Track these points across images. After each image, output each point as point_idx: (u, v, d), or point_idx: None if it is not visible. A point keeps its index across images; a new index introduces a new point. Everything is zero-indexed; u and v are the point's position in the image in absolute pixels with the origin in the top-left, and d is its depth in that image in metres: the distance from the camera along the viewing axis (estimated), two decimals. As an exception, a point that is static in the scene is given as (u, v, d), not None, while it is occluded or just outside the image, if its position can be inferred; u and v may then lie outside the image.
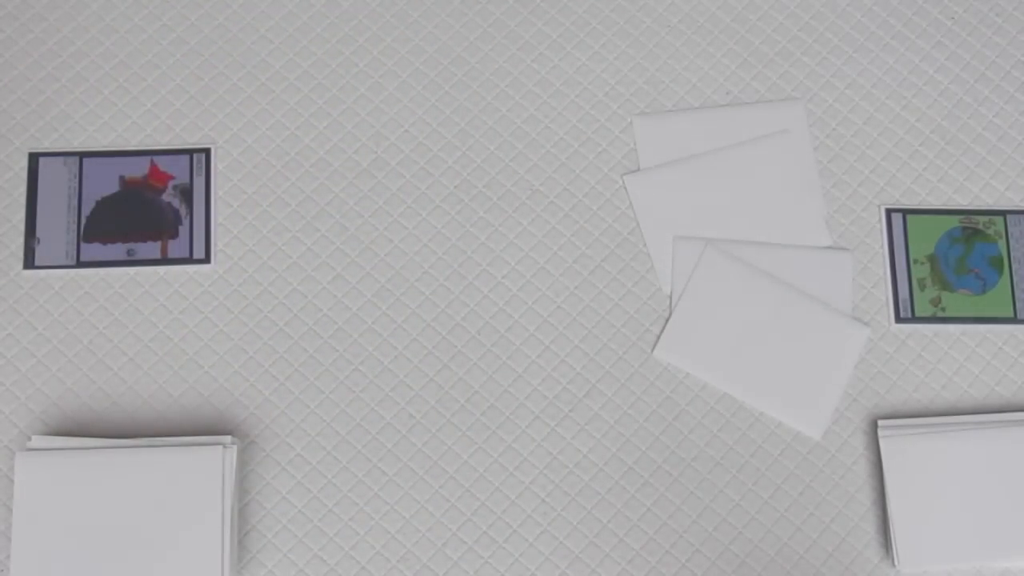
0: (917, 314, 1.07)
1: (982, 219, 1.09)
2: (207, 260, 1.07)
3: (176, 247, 1.07)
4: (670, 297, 1.07)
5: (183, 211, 1.07)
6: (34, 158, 1.08)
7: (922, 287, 1.08)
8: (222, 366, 1.04)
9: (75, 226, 1.07)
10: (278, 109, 1.11)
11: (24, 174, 1.08)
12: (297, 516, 1.01)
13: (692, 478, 1.03)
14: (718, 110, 1.12)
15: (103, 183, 1.08)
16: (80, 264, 1.06)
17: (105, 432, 1.02)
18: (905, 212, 1.10)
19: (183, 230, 1.07)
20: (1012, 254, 1.09)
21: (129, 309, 1.05)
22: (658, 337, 1.06)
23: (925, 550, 0.99)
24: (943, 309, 1.07)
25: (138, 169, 1.08)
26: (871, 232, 1.09)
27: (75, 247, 1.06)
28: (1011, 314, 1.07)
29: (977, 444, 1.02)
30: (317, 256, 1.07)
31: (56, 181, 1.08)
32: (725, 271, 1.07)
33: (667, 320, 1.06)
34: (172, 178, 1.08)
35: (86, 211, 1.07)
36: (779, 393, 1.04)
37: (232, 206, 1.08)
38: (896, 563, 0.99)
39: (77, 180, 1.08)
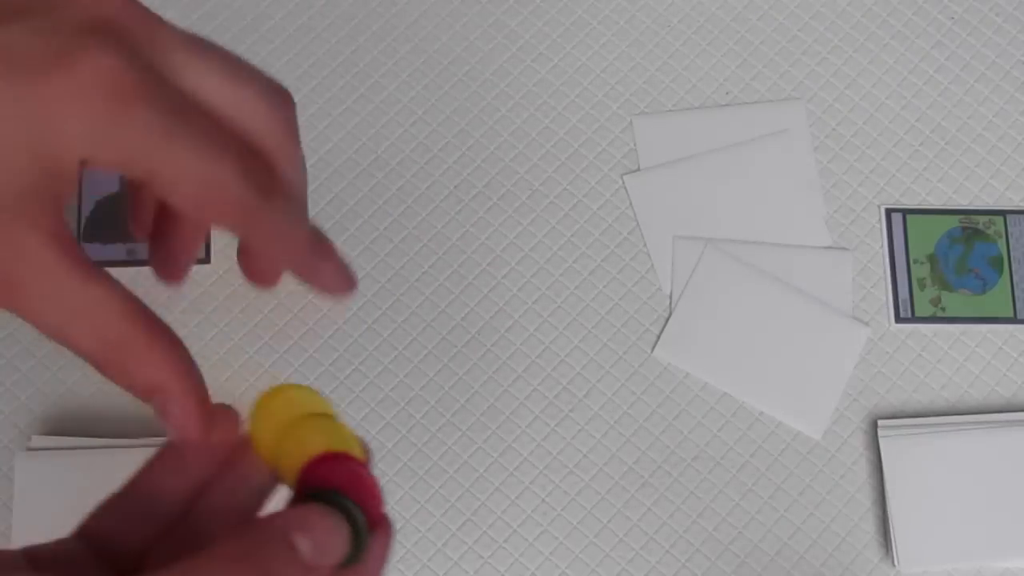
0: (917, 314, 1.07)
1: (982, 219, 1.09)
2: (207, 260, 1.06)
3: (176, 247, 1.06)
4: (670, 297, 1.07)
5: (183, 211, 1.07)
6: (34, 158, 1.08)
7: (922, 287, 1.08)
8: (222, 366, 1.04)
9: (75, 226, 1.06)
10: (278, 109, 1.11)
11: (24, 174, 1.08)
12: (297, 516, 1.01)
13: (692, 478, 1.03)
14: (718, 110, 1.12)
15: (103, 183, 1.08)
16: (80, 264, 1.06)
17: (105, 432, 1.02)
18: (905, 212, 1.10)
19: (183, 230, 1.07)
20: (1012, 254, 1.09)
21: (129, 309, 1.05)
22: (658, 337, 1.06)
23: (925, 550, 0.99)
24: (943, 309, 1.07)
25: (138, 169, 1.08)
26: (871, 232, 1.09)
27: (75, 247, 1.06)
28: (1011, 314, 1.07)
29: (977, 444, 1.02)
30: (317, 256, 1.07)
31: (56, 181, 1.08)
32: (725, 271, 1.07)
33: (667, 320, 1.06)
34: (172, 178, 1.08)
35: (86, 211, 1.07)
36: (779, 393, 1.04)
37: (232, 206, 1.08)
38: (896, 563, 0.99)
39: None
